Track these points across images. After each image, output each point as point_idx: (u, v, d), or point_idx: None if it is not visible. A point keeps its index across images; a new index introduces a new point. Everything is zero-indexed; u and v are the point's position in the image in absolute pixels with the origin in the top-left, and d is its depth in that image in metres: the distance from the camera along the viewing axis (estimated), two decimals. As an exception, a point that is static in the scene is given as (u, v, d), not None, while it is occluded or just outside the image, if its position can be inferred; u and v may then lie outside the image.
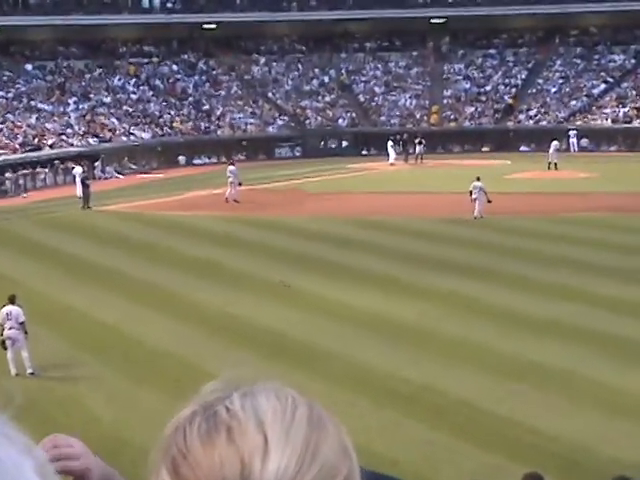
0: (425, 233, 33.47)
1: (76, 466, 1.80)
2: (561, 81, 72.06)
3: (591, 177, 48.83)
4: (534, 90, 71.71)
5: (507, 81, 73.27)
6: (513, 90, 72.07)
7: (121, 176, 57.17)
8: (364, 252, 30.16)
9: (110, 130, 63.10)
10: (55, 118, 62.64)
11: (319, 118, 70.33)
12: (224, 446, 1.13)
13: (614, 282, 25.00)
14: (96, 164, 56.59)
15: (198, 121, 68.25)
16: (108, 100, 67.25)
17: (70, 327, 22.57)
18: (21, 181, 51.93)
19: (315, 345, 20.32)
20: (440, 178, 49.64)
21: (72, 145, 58.84)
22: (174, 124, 66.99)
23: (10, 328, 19.11)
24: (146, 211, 41.04)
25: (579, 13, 71.40)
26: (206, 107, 70.03)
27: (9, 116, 60.98)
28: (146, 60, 72.93)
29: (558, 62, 73.97)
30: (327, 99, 72.55)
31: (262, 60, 75.06)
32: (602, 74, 71.52)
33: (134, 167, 59.80)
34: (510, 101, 70.59)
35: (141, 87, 70.62)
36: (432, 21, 73.70)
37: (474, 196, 36.38)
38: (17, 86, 66.11)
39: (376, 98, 72.59)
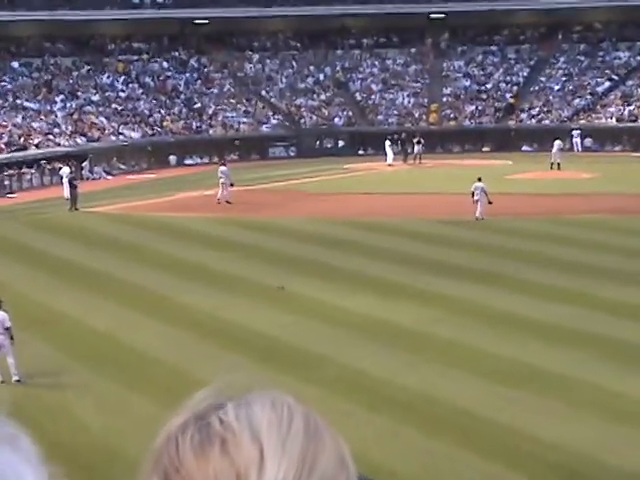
0: (423, 235, 33.44)
1: None
2: (564, 79, 71.59)
3: (594, 178, 48.78)
4: (536, 88, 71.27)
5: (508, 79, 72.86)
6: (515, 88, 71.62)
7: (110, 177, 57.04)
8: (360, 254, 30.18)
9: (98, 129, 62.73)
10: (42, 117, 62.39)
11: (314, 117, 69.88)
12: (218, 459, 1.12)
13: (614, 285, 25.05)
14: (84, 164, 56.37)
15: (189, 120, 67.82)
16: (96, 98, 66.86)
17: (58, 332, 22.58)
18: (7, 182, 51.82)
19: (309, 349, 20.37)
20: (439, 179, 49.65)
21: (59, 145, 58.53)
22: (164, 123, 66.56)
23: (-5, 334, 19.19)
24: (135, 212, 40.89)
25: (583, 8, 71.30)
26: (198, 105, 69.51)
27: (-6, 114, 60.93)
28: (136, 57, 72.64)
29: (561, 59, 73.58)
30: (322, 97, 72.05)
31: (255, 57, 74.82)
32: (607, 71, 71.25)
33: (123, 167, 59.68)
34: (511, 99, 70.20)
35: (130, 85, 70.24)
36: (431, 16, 73.52)
37: (476, 197, 36.15)
38: (2, 84, 65.93)
39: (373, 96, 72.11)
